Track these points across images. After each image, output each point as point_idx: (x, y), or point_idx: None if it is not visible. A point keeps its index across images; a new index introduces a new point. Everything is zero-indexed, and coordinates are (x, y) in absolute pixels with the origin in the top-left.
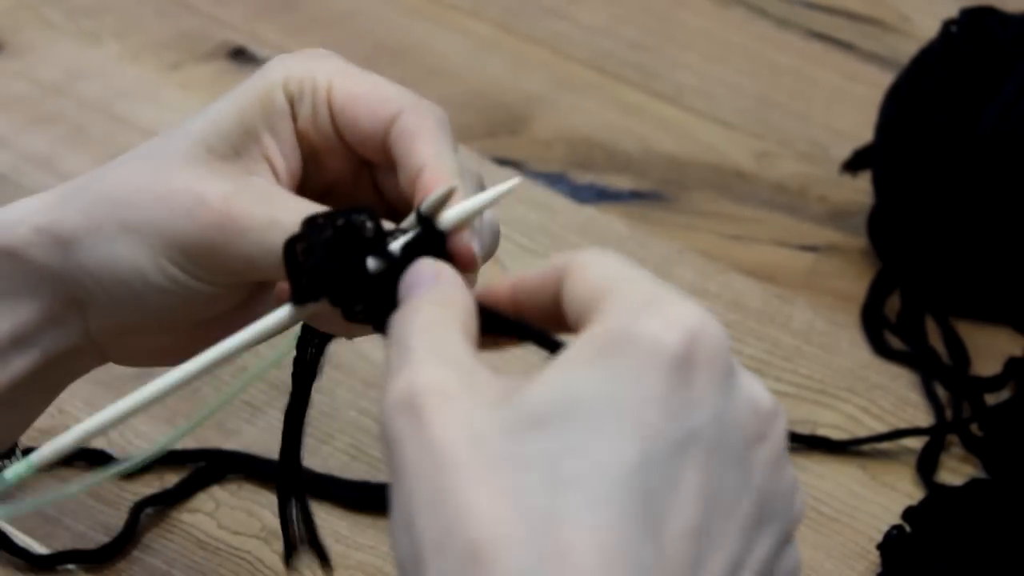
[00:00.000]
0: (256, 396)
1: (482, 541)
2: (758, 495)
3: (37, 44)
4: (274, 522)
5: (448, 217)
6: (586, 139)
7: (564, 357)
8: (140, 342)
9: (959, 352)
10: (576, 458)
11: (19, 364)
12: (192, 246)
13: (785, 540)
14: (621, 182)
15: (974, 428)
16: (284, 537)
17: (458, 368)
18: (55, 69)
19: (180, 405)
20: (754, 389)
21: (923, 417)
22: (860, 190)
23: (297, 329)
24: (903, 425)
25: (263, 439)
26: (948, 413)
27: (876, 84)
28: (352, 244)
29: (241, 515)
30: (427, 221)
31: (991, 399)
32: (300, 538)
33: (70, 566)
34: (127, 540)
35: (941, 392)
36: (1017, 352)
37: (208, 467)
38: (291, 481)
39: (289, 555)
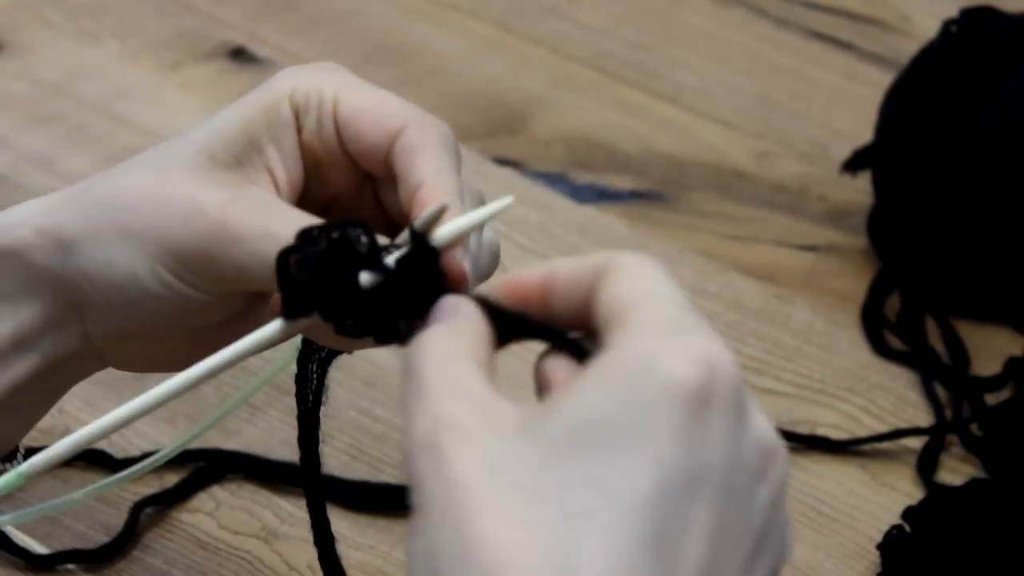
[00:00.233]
0: (256, 396)
1: (497, 567)
2: (757, 534)
3: (37, 44)
4: (274, 522)
5: (441, 234)
6: (586, 139)
7: (583, 381)
8: (138, 347)
9: (959, 352)
10: (592, 488)
11: (19, 368)
12: (188, 254)
13: None
14: (621, 182)
15: (974, 428)
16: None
17: (473, 401)
18: (55, 69)
19: (180, 405)
20: (762, 428)
21: (923, 417)
22: (860, 190)
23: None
24: (903, 425)
25: (263, 439)
26: (948, 413)
27: (876, 84)
28: (345, 258)
29: (241, 515)
30: (420, 237)
31: (991, 399)
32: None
33: (70, 566)
34: (127, 540)
35: (941, 392)
36: (1017, 352)
37: (208, 467)
38: (317, 501)
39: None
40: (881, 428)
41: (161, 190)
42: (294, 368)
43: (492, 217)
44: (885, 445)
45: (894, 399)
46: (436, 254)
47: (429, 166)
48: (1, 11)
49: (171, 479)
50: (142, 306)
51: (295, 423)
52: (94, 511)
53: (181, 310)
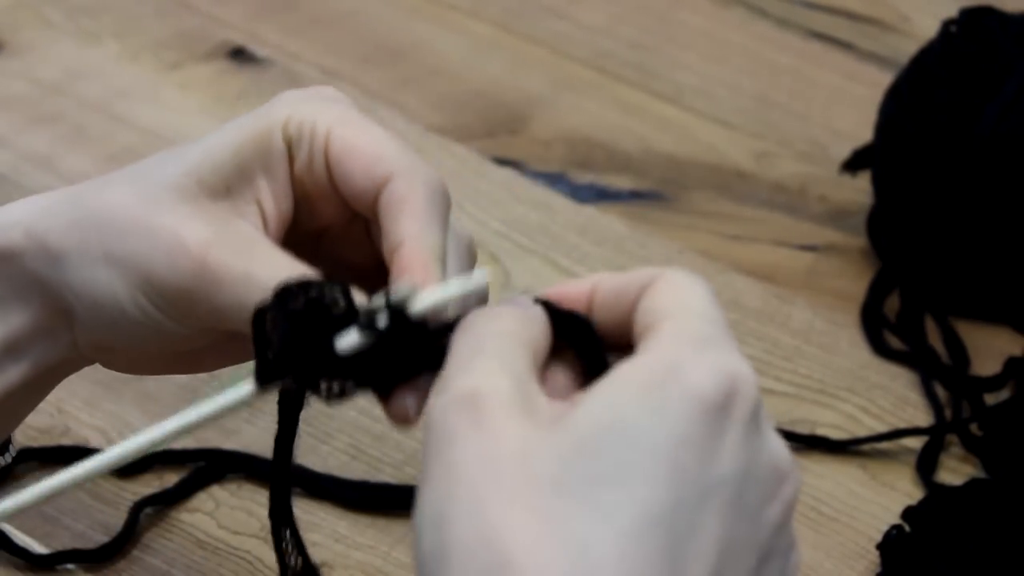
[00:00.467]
0: None
1: (514, 556)
2: (762, 552)
3: (37, 44)
4: None
5: (416, 307)
6: (586, 139)
7: (612, 380)
8: (126, 356)
9: (959, 352)
10: (613, 490)
11: (13, 373)
12: (169, 289)
13: None
14: (621, 182)
15: (974, 428)
16: (279, 563)
17: (522, 385)
18: (55, 69)
19: (181, 405)
20: (776, 446)
21: (923, 417)
22: (860, 190)
23: None
24: (903, 425)
25: (263, 439)
26: (948, 413)
27: (876, 84)
28: (321, 320)
29: (241, 515)
30: (395, 310)
31: (991, 399)
32: (294, 568)
33: (70, 566)
34: (127, 540)
35: (941, 392)
36: (1017, 352)
37: (208, 467)
38: (282, 509)
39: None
40: (881, 428)
41: (147, 218)
42: None
43: (469, 292)
44: (885, 445)
45: (894, 399)
46: (412, 324)
47: (413, 226)
48: (1, 11)
49: (171, 479)
50: (123, 327)
51: None
52: (93, 511)
53: (159, 336)
